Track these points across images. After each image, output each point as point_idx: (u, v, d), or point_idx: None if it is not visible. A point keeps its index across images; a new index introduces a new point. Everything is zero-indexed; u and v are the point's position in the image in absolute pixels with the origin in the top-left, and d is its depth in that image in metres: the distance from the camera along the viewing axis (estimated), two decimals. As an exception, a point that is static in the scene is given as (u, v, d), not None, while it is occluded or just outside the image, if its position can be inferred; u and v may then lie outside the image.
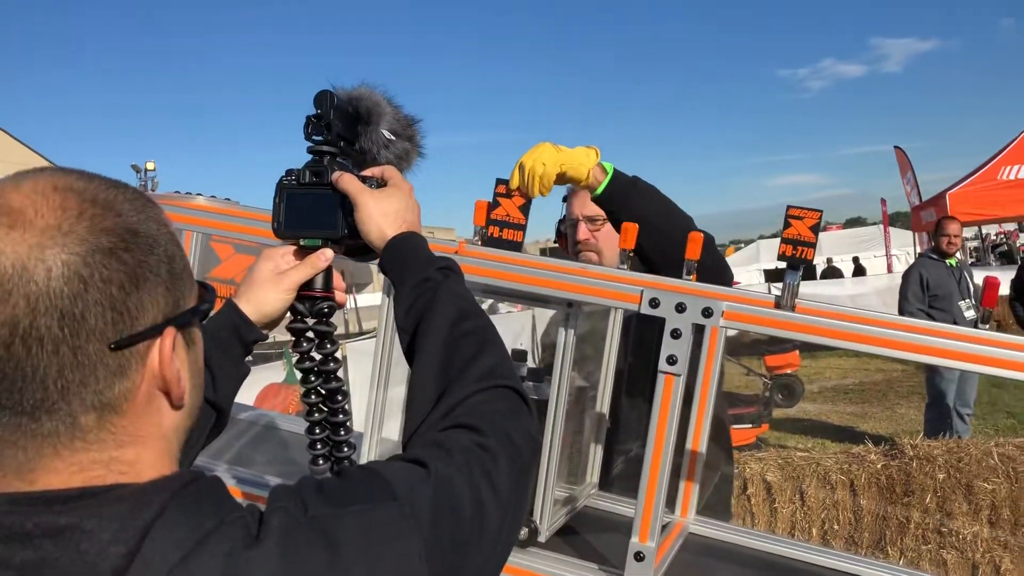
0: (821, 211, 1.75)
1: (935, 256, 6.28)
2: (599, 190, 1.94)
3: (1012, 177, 10.94)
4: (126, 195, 0.77)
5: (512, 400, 0.99)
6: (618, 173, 1.96)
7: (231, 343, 1.21)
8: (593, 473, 1.99)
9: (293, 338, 1.28)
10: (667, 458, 1.52)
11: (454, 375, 0.99)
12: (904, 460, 4.16)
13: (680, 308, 1.50)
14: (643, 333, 2.32)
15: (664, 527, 1.78)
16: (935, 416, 6.28)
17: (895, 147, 15.63)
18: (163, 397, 0.77)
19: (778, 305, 1.70)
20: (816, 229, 1.73)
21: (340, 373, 1.28)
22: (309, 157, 1.26)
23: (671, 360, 1.49)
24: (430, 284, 1.11)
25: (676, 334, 1.49)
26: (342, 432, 1.27)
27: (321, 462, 1.27)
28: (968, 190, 11.15)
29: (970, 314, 6.05)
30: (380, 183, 1.25)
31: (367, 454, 1.84)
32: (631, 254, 1.82)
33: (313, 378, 1.27)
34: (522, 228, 1.87)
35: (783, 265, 1.69)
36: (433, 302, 1.08)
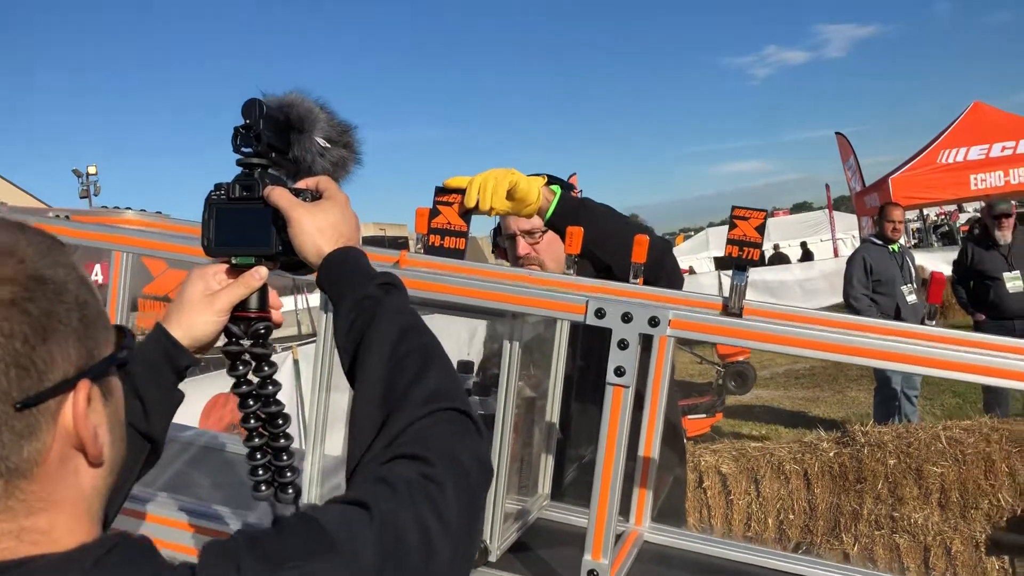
0: (766, 211, 1.74)
1: (879, 241, 6.37)
2: (549, 212, 1.92)
3: (951, 160, 11.19)
4: (29, 238, 0.71)
5: (459, 423, 0.93)
6: (565, 194, 1.95)
7: (162, 371, 1.15)
8: (544, 484, 1.95)
9: (228, 362, 1.22)
10: (618, 471, 1.49)
11: (397, 399, 0.93)
12: (855, 447, 4.20)
13: (626, 318, 1.46)
14: (591, 337, 2.29)
15: (618, 537, 1.75)
16: (883, 399, 6.37)
17: (836, 133, 15.88)
18: (79, 456, 0.71)
19: (725, 307, 1.69)
20: (761, 229, 1.71)
21: (280, 396, 1.23)
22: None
23: (619, 372, 1.45)
24: (370, 302, 1.05)
25: (623, 345, 1.45)
26: (284, 457, 1.22)
27: (263, 488, 1.22)
28: (909, 175, 11.37)
29: (912, 299, 6.15)
30: (315, 195, 1.20)
31: (309, 470, 1.78)
32: (577, 259, 1.79)
33: (252, 402, 1.21)
34: (464, 235, 1.83)
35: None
36: (373, 321, 1.02)
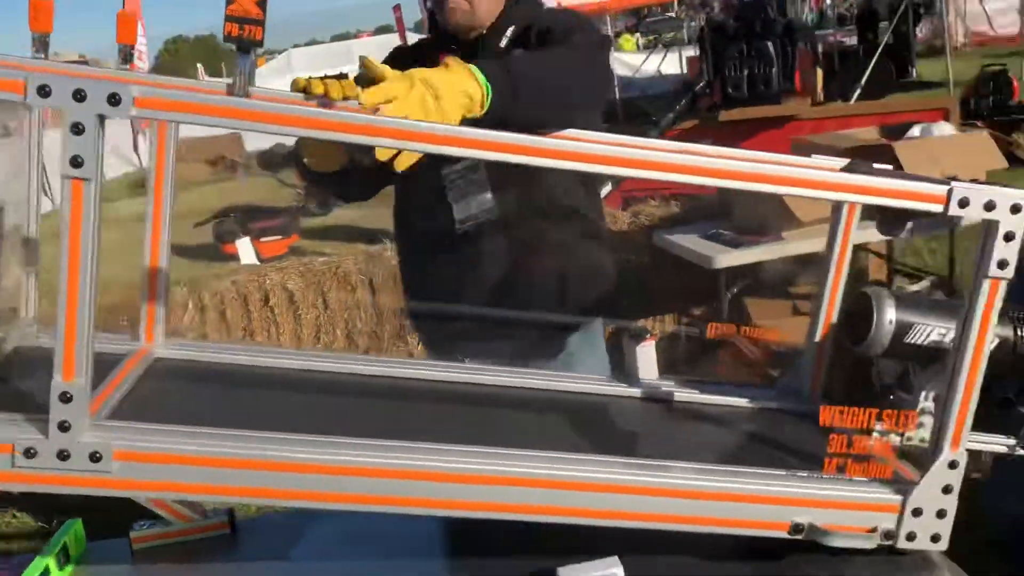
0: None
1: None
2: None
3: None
4: None
5: None
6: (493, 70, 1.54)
7: None
8: (28, 306, 1.67)
9: None
10: (86, 276, 1.26)
11: None
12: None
13: (79, 96, 1.21)
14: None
15: (122, 357, 1.57)
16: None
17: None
18: None
19: (231, 92, 1.51)
20: (263, 4, 1.53)
21: None
22: None
23: (76, 162, 1.21)
24: None
25: (78, 129, 1.21)
26: None
27: None
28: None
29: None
30: None
31: None
32: None
33: None
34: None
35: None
36: None
